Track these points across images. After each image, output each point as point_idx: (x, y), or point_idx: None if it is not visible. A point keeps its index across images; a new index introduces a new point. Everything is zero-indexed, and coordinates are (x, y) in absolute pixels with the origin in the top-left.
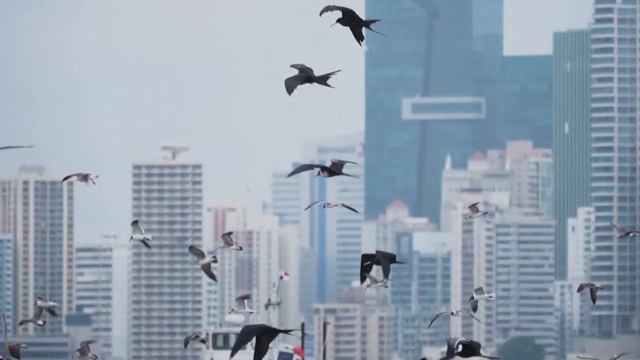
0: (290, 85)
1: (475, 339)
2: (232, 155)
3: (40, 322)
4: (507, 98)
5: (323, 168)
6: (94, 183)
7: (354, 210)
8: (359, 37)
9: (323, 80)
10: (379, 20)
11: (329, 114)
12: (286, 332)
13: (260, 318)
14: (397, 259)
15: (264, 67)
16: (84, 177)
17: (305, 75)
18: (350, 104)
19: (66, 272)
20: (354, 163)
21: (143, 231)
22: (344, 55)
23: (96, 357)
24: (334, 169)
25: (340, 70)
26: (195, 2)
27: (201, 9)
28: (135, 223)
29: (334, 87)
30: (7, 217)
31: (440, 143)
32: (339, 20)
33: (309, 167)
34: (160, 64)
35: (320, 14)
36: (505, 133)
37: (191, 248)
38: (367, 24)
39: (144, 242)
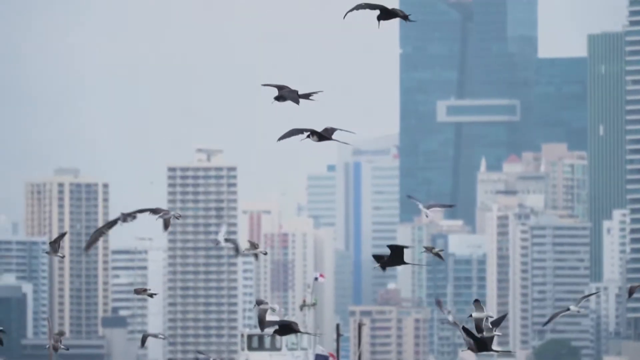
0: (295, 97)
1: (511, 341)
2: (267, 158)
3: (60, 254)
4: (542, 100)
5: (313, 132)
6: (177, 218)
7: (450, 206)
8: (406, 18)
9: (306, 97)
10: (410, 15)
11: (364, 116)
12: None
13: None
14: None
15: (299, 68)
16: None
17: (295, 90)
18: (385, 106)
19: (102, 275)
20: (351, 132)
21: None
22: (379, 58)
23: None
24: (325, 134)
25: (322, 91)
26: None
27: (230, 9)
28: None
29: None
30: (43, 220)
31: (475, 145)
32: (379, 18)
33: (299, 131)
34: (195, 66)
35: (345, 15)
36: (540, 135)
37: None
38: (401, 14)
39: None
